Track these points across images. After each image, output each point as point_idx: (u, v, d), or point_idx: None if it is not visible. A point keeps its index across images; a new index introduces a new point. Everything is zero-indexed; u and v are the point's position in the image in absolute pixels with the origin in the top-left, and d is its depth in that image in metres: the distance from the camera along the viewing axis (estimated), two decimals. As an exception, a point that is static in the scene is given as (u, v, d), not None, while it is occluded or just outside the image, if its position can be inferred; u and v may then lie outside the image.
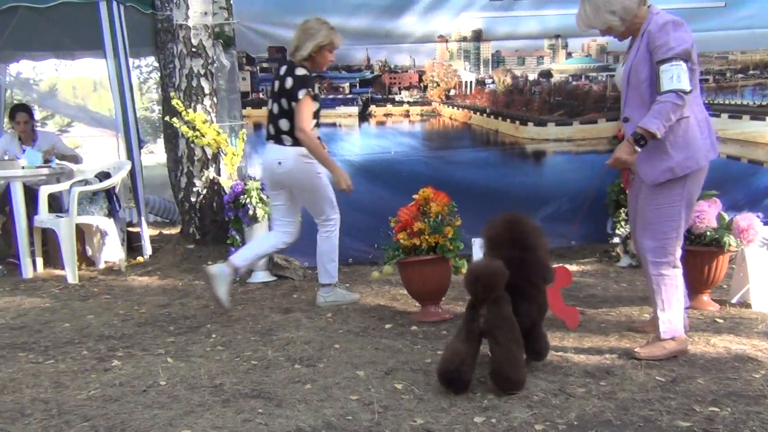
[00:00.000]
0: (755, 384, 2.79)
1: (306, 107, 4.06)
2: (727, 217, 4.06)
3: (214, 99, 5.75)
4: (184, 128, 5.34)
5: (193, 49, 5.59)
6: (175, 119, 5.38)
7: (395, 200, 4.32)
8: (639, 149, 2.98)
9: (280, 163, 4.16)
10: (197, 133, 5.25)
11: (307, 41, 4.13)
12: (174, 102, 5.35)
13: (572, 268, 5.22)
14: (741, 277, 4.07)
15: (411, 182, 4.46)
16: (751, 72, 5.75)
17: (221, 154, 5.40)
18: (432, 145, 5.65)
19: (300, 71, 4.11)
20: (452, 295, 4.48)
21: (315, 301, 4.45)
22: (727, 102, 5.75)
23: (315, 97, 4.13)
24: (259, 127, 5.51)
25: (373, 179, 5.54)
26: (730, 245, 3.95)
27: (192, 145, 5.58)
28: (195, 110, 5.48)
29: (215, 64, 5.79)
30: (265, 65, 5.46)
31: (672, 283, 3.15)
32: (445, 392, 2.84)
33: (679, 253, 3.18)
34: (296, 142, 4.12)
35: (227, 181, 5.24)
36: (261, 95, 5.47)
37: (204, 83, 5.64)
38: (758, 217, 5.75)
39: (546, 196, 5.58)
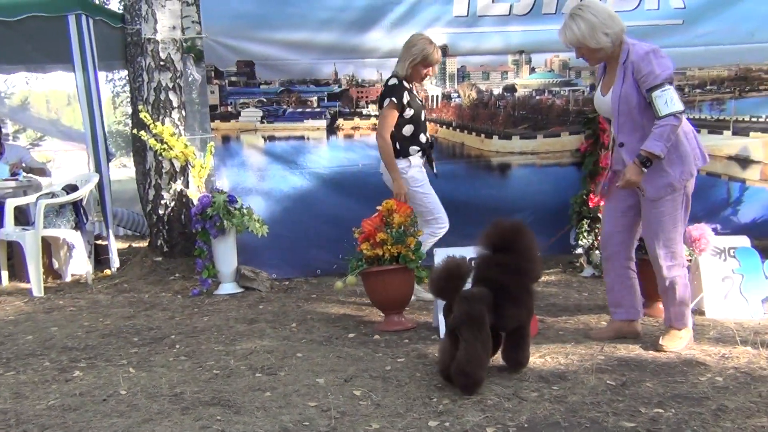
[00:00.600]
0: (700, 387, 2.88)
1: (387, 115, 4.42)
2: (680, 227, 4.17)
3: (183, 112, 5.79)
4: (151, 141, 5.37)
5: (162, 63, 5.64)
6: (143, 132, 5.41)
7: (363, 212, 4.38)
8: (645, 170, 3.27)
9: (381, 173, 4.63)
10: (165, 145, 5.29)
11: (404, 56, 4.45)
12: (142, 115, 5.39)
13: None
14: (695, 286, 4.18)
15: (378, 194, 4.52)
16: (708, 87, 5.92)
17: (189, 166, 5.43)
18: (399, 157, 5.73)
19: (391, 81, 4.47)
20: (416, 304, 4.56)
21: (281, 311, 4.50)
22: (686, 116, 5.90)
23: (402, 106, 4.39)
24: (227, 139, 5.56)
25: (341, 191, 5.61)
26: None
27: (160, 157, 5.61)
28: (163, 123, 5.52)
29: (190, 78, 5.84)
30: (233, 79, 5.51)
31: (683, 282, 3.46)
32: (403, 397, 2.90)
33: (684, 251, 3.58)
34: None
35: (195, 193, 5.27)
36: (229, 108, 5.52)
37: (172, 96, 5.68)
38: (716, 228, 5.94)
39: (510, 208, 5.66)
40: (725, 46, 5.80)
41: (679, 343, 3.41)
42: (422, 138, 4.52)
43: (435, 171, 4.66)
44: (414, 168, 4.52)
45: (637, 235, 3.64)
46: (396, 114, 4.41)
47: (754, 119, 5.95)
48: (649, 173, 3.29)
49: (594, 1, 3.50)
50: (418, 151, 4.52)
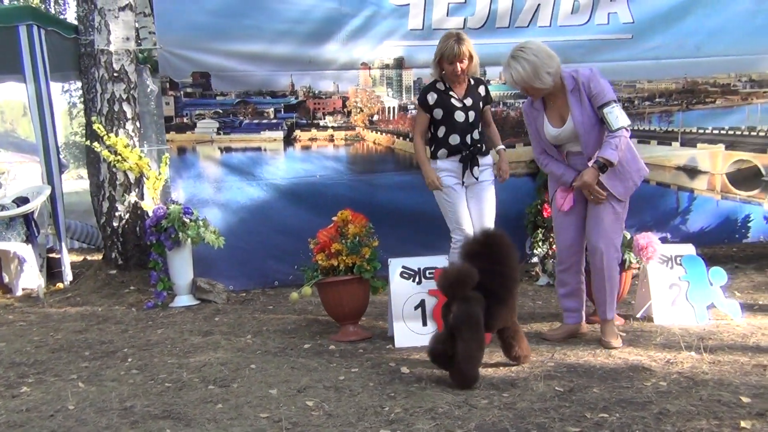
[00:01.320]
0: (645, 392, 2.96)
1: (416, 116, 4.43)
2: (628, 235, 4.29)
3: (137, 123, 5.74)
4: (105, 153, 5.31)
5: (115, 74, 5.58)
6: (96, 143, 5.34)
7: (320, 223, 4.39)
8: (602, 174, 3.59)
9: None
10: (119, 157, 5.23)
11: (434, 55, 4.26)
12: (95, 126, 5.33)
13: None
14: (644, 293, 4.29)
15: (336, 205, 4.53)
16: (657, 100, 6.10)
17: (144, 178, 5.38)
18: (356, 168, 5.77)
19: (428, 83, 4.38)
20: (373, 314, 4.58)
21: (237, 323, 4.47)
22: (635, 128, 6.06)
23: (427, 107, 4.24)
24: (183, 151, 5.52)
25: (298, 202, 5.61)
26: (631, 263, 4.18)
27: (114, 169, 5.55)
28: (117, 135, 5.46)
29: (148, 89, 5.79)
30: (189, 90, 5.49)
31: (617, 276, 3.82)
32: (355, 407, 2.91)
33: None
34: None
35: (150, 205, 5.22)
36: (185, 120, 5.49)
37: (126, 108, 5.63)
38: (666, 236, 6.09)
39: (467, 218, 5.74)
40: (673, 60, 5.99)
41: (615, 337, 3.70)
42: (453, 140, 4.21)
43: (476, 176, 4.22)
44: (443, 172, 4.23)
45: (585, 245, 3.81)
46: (423, 114, 4.26)
47: (701, 131, 6.14)
48: (617, 177, 3.65)
49: (533, 41, 3.76)
50: (449, 154, 4.22)
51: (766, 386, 2.96)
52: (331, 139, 5.73)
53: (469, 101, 4.24)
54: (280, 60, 5.52)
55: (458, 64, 4.12)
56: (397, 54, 5.69)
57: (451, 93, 4.23)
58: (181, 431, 2.72)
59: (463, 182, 4.24)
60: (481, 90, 4.34)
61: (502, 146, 4.44)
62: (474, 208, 4.27)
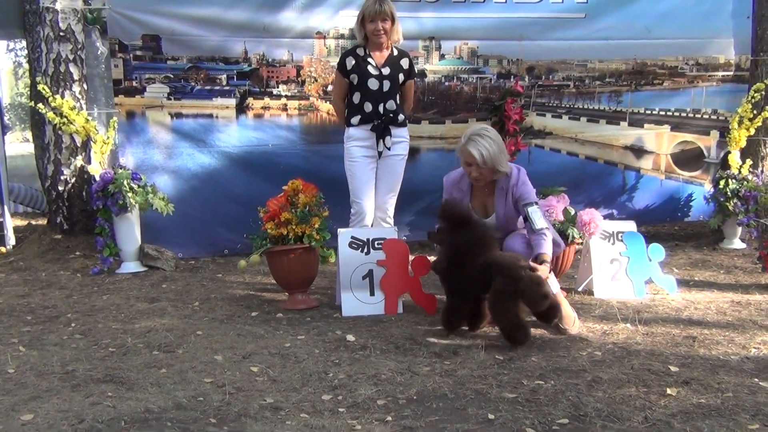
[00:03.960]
0: (580, 361, 3.07)
1: (335, 80, 4.41)
2: (572, 211, 4.40)
3: (84, 86, 5.58)
4: (50, 114, 5.17)
5: (61, 34, 5.41)
6: (41, 105, 5.20)
7: (272, 192, 4.35)
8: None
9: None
10: (65, 119, 5.10)
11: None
12: (40, 87, 5.17)
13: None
14: (585, 267, 4.42)
15: (288, 175, 4.49)
16: (607, 80, 6.22)
17: (91, 142, 5.25)
18: (310, 139, 5.74)
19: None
20: (322, 284, 4.61)
21: (185, 290, 4.45)
22: (585, 107, 6.20)
23: (345, 71, 4.20)
24: (132, 115, 5.41)
25: (251, 171, 5.57)
26: (574, 238, 4.29)
27: (59, 132, 5.40)
28: (63, 96, 5.31)
29: (99, 51, 5.62)
30: (139, 53, 5.36)
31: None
32: (299, 373, 2.95)
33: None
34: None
35: (97, 169, 5.11)
36: (134, 83, 5.37)
37: (73, 69, 5.47)
38: (613, 213, 6.26)
39: (419, 191, 5.77)
40: (623, 41, 6.11)
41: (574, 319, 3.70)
42: (366, 107, 4.19)
43: (387, 146, 4.23)
44: (353, 141, 4.25)
45: None
46: (341, 79, 4.24)
47: (648, 111, 6.30)
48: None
49: (491, 128, 3.83)
50: (362, 121, 4.21)
51: (693, 356, 3.10)
52: (285, 109, 5.68)
53: (386, 70, 4.23)
54: (234, 26, 5.42)
55: (380, 22, 4.12)
56: (352, 24, 5.63)
57: (369, 60, 4.21)
58: (124, 395, 2.72)
59: (380, 153, 4.25)
60: (404, 63, 4.32)
61: None
62: (381, 181, 4.31)
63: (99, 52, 5.75)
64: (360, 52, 4.24)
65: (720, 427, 2.38)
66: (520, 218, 3.75)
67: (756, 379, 2.81)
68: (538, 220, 3.62)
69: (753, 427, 2.38)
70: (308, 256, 4.11)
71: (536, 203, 3.69)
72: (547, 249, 3.56)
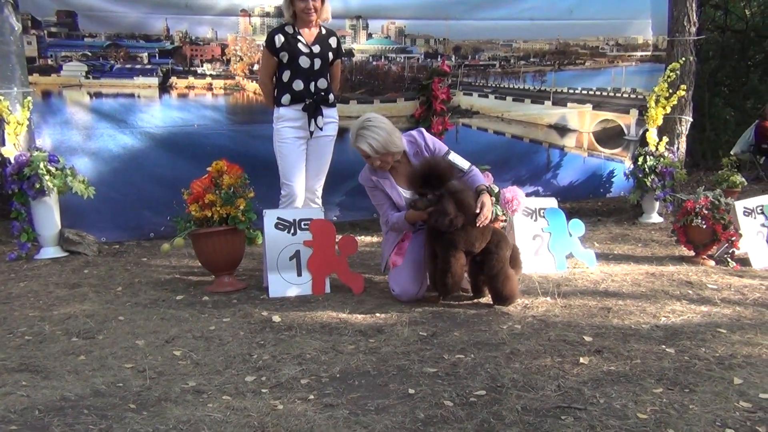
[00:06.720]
0: (500, 334, 3.16)
1: (263, 58, 4.32)
2: (496, 189, 4.49)
3: (-4, 63, 5.32)
4: (-42, 94, 4.91)
5: (-31, 8, 5.13)
6: (-52, 84, 4.93)
7: (198, 173, 4.27)
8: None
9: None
10: (-26, 99, 4.85)
11: None
12: (-53, 65, 4.90)
13: (371, 239, 5.52)
14: (509, 243, 4.53)
15: (214, 156, 4.41)
16: (531, 59, 6.34)
17: (3, 122, 5.03)
18: (236, 119, 5.64)
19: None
20: (250, 266, 4.58)
21: (108, 275, 4.34)
22: (511, 86, 6.31)
23: (274, 48, 4.13)
24: (48, 95, 5.20)
25: (175, 152, 5.44)
26: (498, 215, 4.39)
27: (-30, 112, 5.14)
28: (-28, 75, 5.05)
29: (15, 27, 5.33)
30: (53, 30, 5.14)
31: None
32: (223, 355, 2.94)
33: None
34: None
35: (11, 151, 4.90)
36: (50, 61, 5.16)
37: (-18, 46, 5.20)
38: (538, 190, 6.42)
39: (348, 172, 5.71)
40: (547, 21, 6.24)
41: None
42: (297, 86, 4.15)
43: (319, 126, 4.22)
44: (284, 121, 4.20)
45: None
46: (270, 57, 4.16)
47: (571, 91, 6.47)
48: None
49: (374, 114, 3.86)
50: (293, 101, 4.16)
51: (607, 326, 3.24)
52: (210, 88, 5.56)
53: (317, 48, 4.20)
54: (154, 2, 5.25)
55: (310, 1, 4.07)
56: (278, 2, 5.56)
57: (299, 37, 4.17)
58: (39, 383, 2.65)
59: (311, 133, 4.23)
60: (332, 41, 4.31)
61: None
62: (311, 162, 4.32)
63: (15, 28, 5.47)
64: (289, 29, 4.18)
65: (627, 392, 2.50)
66: None
67: (663, 346, 2.95)
68: (462, 163, 3.81)
69: (657, 390, 2.51)
70: (233, 238, 4.06)
71: (450, 150, 3.85)
72: (483, 181, 3.78)
